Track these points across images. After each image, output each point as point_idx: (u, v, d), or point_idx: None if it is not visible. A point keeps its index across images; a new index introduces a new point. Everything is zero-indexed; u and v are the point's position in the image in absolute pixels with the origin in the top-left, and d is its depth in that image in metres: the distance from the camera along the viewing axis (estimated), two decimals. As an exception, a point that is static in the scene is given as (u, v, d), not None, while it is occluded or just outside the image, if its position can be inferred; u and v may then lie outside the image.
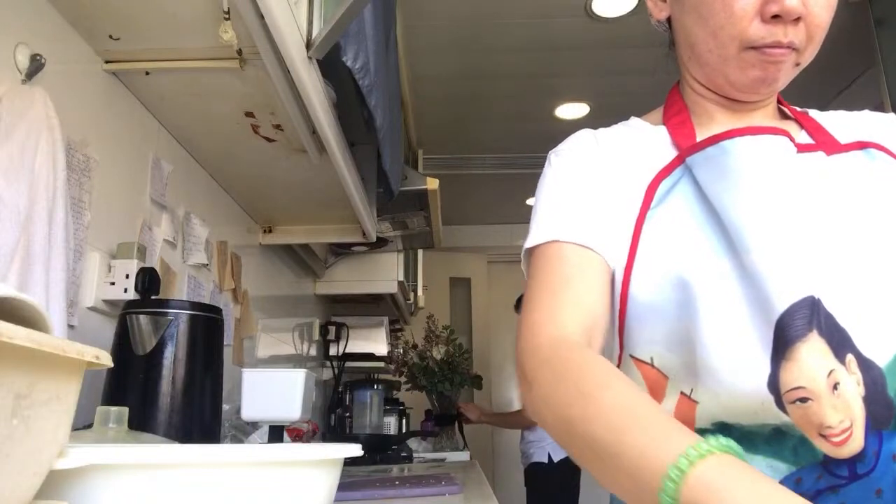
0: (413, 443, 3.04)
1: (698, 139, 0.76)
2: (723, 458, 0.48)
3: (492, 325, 5.06)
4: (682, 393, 0.71)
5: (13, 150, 0.86)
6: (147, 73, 1.22)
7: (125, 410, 0.72)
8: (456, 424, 3.44)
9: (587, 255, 0.73)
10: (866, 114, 0.82)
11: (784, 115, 0.83)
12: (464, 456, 3.02)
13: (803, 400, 0.63)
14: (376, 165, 1.72)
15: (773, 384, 0.64)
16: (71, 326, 1.07)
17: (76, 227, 1.08)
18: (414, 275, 3.61)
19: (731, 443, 0.49)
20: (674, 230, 0.71)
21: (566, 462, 3.17)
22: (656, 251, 0.71)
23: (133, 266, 1.17)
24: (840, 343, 0.64)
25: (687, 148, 0.75)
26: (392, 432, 3.11)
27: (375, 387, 3.05)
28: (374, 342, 3.02)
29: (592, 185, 0.78)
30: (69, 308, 1.03)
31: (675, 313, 0.69)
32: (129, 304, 1.06)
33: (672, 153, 0.77)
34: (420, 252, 3.67)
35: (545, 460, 3.17)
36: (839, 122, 0.80)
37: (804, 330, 0.63)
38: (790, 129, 0.77)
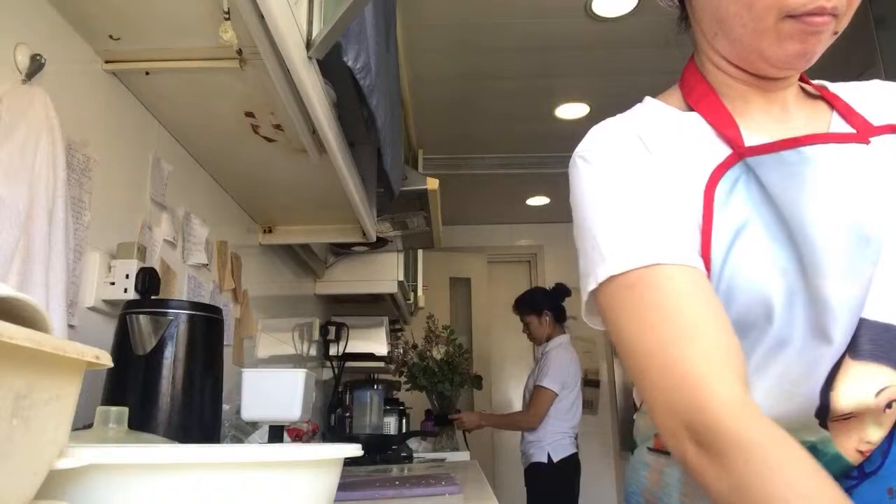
0: (413, 443, 3.04)
1: (741, 128, 0.71)
2: None
3: (492, 325, 5.06)
4: None
5: (13, 150, 0.86)
6: (147, 73, 1.22)
7: (125, 410, 0.72)
8: (455, 424, 3.44)
9: (698, 277, 0.63)
10: (880, 86, 0.77)
11: (807, 94, 0.78)
12: (464, 456, 3.02)
13: (846, 418, 0.61)
14: (376, 165, 1.72)
15: (821, 413, 0.62)
16: (71, 326, 1.07)
17: (76, 227, 1.08)
18: (414, 275, 3.61)
19: None
20: (746, 240, 0.65)
21: (566, 462, 3.18)
22: (733, 264, 0.65)
23: (133, 266, 1.17)
24: None
25: (753, 147, 0.68)
26: (392, 432, 3.11)
27: (375, 387, 3.05)
28: (374, 342, 3.02)
29: (650, 190, 0.68)
30: (69, 308, 1.03)
31: (743, 333, 0.64)
32: (129, 304, 1.06)
33: (720, 145, 0.70)
34: (420, 252, 3.67)
35: (545, 460, 3.17)
36: (862, 98, 0.75)
37: (846, 357, 0.61)
38: (820, 111, 0.74)
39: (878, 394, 0.60)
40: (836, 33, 0.67)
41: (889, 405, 0.60)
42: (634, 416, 0.83)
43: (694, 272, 0.64)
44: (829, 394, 0.61)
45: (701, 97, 0.75)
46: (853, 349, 0.61)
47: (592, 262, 0.67)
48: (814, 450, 0.63)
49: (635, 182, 0.69)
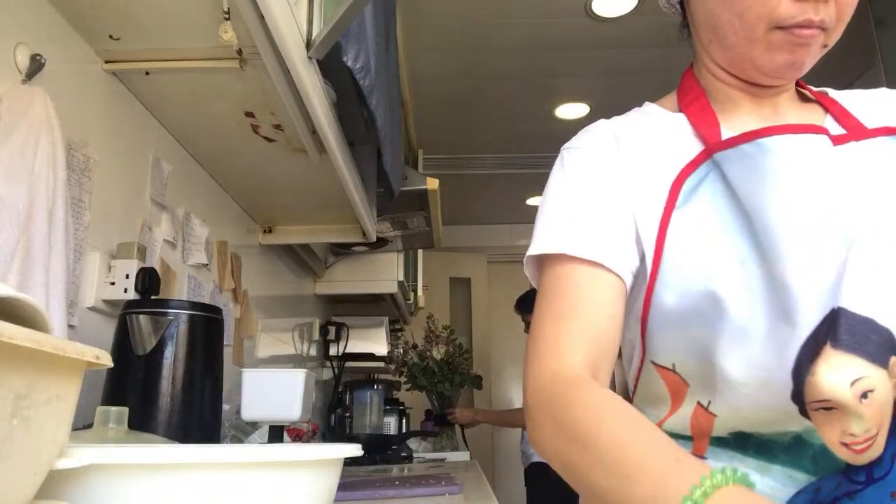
0: (413, 443, 3.04)
1: (722, 127, 0.73)
2: (734, 490, 0.47)
3: (492, 325, 5.06)
4: (698, 403, 0.69)
5: (13, 150, 0.86)
6: (147, 73, 1.22)
7: (125, 410, 0.72)
8: (456, 424, 3.44)
9: (599, 274, 0.69)
10: (885, 93, 0.78)
11: (803, 98, 0.79)
12: (464, 456, 3.02)
13: (827, 409, 0.61)
14: (376, 165, 1.72)
15: (798, 398, 0.63)
16: (71, 326, 1.07)
17: (76, 227, 1.08)
18: (414, 275, 3.61)
19: (742, 474, 0.48)
20: (701, 234, 0.68)
21: (566, 462, 3.17)
22: (683, 257, 0.68)
23: (133, 266, 1.17)
24: (881, 346, 0.61)
25: (718, 142, 0.70)
26: (392, 432, 3.11)
27: (375, 387, 3.05)
28: (374, 342, 3.02)
29: (609, 187, 0.73)
30: (69, 308, 1.03)
31: (700, 323, 0.67)
32: (129, 304, 1.06)
33: (695, 144, 0.73)
34: (420, 252, 3.67)
35: (545, 460, 3.17)
36: (862, 104, 0.76)
37: (828, 345, 0.61)
38: (814, 113, 0.75)
39: (852, 384, 0.60)
40: (825, 46, 0.69)
41: (864, 395, 0.60)
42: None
43: (596, 270, 0.69)
44: (802, 377, 0.62)
45: (692, 101, 0.77)
46: (833, 338, 0.61)
47: (531, 241, 0.75)
48: (799, 440, 0.64)
49: (586, 184, 0.74)
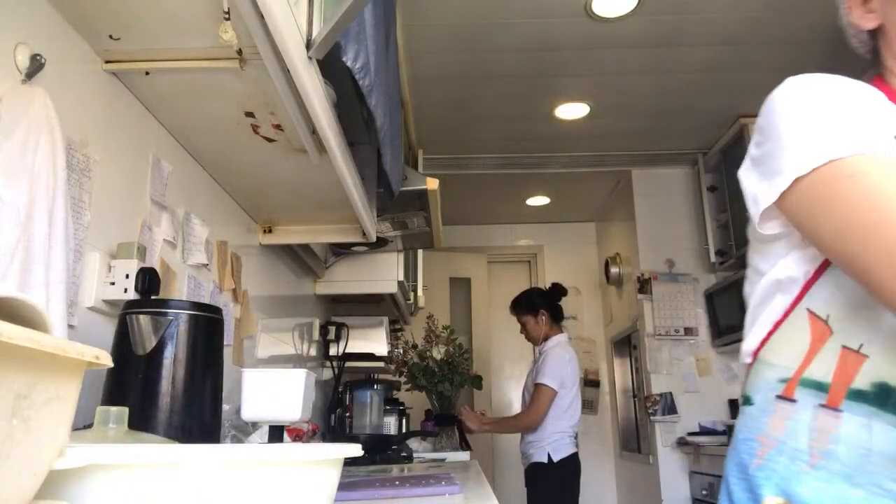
0: (413, 443, 3.04)
1: None
2: None
3: (492, 325, 5.06)
4: (845, 347, 0.70)
5: (13, 150, 0.86)
6: (147, 73, 1.22)
7: (125, 410, 0.72)
8: (456, 426, 3.44)
9: None
10: None
11: None
12: (464, 456, 3.02)
13: None
14: (376, 165, 1.72)
15: None
16: (71, 326, 1.07)
17: (76, 227, 1.08)
18: (414, 275, 3.61)
19: None
20: None
21: (566, 462, 3.18)
22: None
23: (133, 266, 1.17)
24: None
25: None
26: (392, 432, 3.11)
27: (375, 387, 3.05)
28: (374, 342, 3.02)
29: (857, 98, 0.74)
30: (69, 308, 1.03)
31: None
32: (129, 304, 1.06)
33: None
34: (420, 252, 3.67)
35: (545, 460, 3.17)
36: None
37: None
38: None
39: None
40: None
41: None
42: (750, 370, 0.84)
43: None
44: None
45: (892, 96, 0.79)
46: None
47: (788, 157, 0.71)
48: None
49: (845, 89, 0.74)
